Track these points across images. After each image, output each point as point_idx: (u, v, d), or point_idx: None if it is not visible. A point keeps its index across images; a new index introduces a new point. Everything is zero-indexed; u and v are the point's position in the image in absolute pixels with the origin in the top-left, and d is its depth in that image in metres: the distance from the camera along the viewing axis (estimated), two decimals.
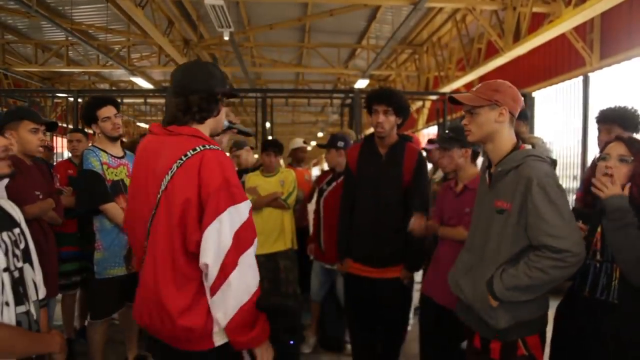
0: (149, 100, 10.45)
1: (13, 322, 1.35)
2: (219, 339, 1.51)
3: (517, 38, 6.21)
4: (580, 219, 1.87)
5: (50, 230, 2.75)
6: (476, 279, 1.78)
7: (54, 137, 7.28)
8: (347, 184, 2.91)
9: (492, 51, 7.32)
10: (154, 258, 1.50)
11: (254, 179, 3.73)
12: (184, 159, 1.45)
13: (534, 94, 6.84)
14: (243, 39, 9.42)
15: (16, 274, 1.40)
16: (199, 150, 1.47)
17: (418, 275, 3.53)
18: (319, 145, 3.72)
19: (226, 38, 6.53)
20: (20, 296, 1.40)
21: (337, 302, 3.65)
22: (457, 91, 8.43)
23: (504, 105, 1.74)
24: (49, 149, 4.63)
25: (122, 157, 2.99)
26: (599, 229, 1.80)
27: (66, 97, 7.11)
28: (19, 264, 1.43)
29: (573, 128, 6.34)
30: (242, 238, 1.45)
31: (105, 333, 2.97)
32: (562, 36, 5.87)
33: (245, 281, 1.46)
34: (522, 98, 1.81)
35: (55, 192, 2.86)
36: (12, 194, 2.30)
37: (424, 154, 3.49)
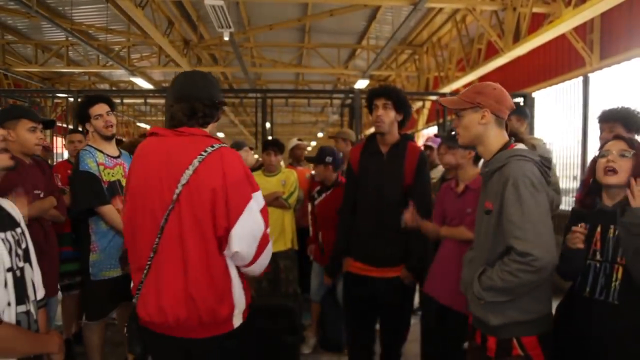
0: (149, 101, 10.45)
1: (13, 321, 1.36)
2: (237, 321, 1.68)
3: (517, 38, 6.21)
4: (580, 220, 1.86)
5: (52, 229, 2.74)
6: (469, 279, 1.82)
7: (54, 137, 7.29)
8: (348, 183, 2.90)
9: (492, 51, 7.32)
10: (182, 250, 1.58)
11: (255, 179, 3.74)
12: (204, 154, 1.59)
13: (533, 95, 6.83)
14: (243, 40, 9.42)
15: (18, 273, 1.41)
16: (216, 147, 1.62)
17: None
18: (306, 159, 3.71)
19: (226, 38, 6.53)
20: (21, 296, 1.40)
21: (338, 303, 3.66)
22: (456, 92, 8.43)
23: (486, 107, 1.77)
24: (47, 149, 4.63)
25: (118, 157, 2.95)
26: (598, 229, 1.80)
27: (66, 98, 7.11)
28: (21, 264, 1.44)
29: (573, 128, 6.34)
30: (265, 217, 1.68)
31: (102, 334, 2.95)
32: (562, 36, 5.87)
33: (270, 251, 1.75)
34: (509, 99, 1.82)
35: (58, 190, 2.84)
36: (7, 195, 2.30)
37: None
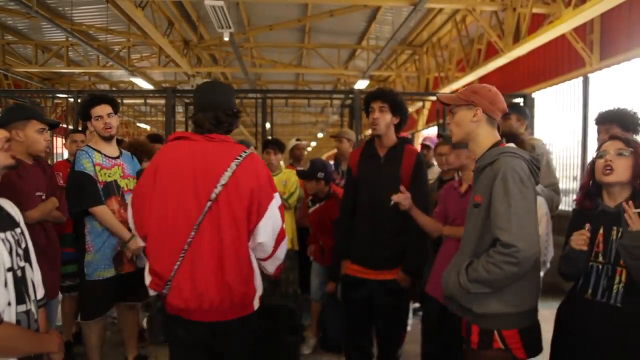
0: (148, 101, 10.46)
1: (13, 320, 1.36)
2: (256, 304, 1.95)
3: (517, 39, 6.21)
4: (582, 221, 1.86)
5: (53, 231, 2.74)
6: (452, 268, 1.87)
7: (54, 138, 7.29)
8: (347, 186, 2.91)
9: (492, 52, 7.32)
10: (219, 243, 1.79)
11: None
12: (239, 159, 1.83)
13: (533, 95, 6.84)
14: (243, 40, 9.42)
15: (19, 273, 1.41)
16: (248, 152, 1.88)
17: None
18: (299, 174, 3.70)
19: (226, 39, 6.53)
20: (21, 295, 1.40)
21: (338, 304, 3.66)
22: (456, 92, 8.45)
23: (479, 106, 1.85)
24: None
25: (117, 157, 2.95)
26: (600, 231, 1.80)
27: (66, 98, 7.12)
28: (21, 263, 1.44)
29: (573, 129, 6.34)
30: (282, 212, 1.95)
31: (101, 333, 2.96)
32: (562, 37, 5.87)
33: (285, 247, 2.01)
34: (503, 102, 1.89)
35: (59, 189, 2.84)
36: (12, 198, 2.30)
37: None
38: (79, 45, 8.99)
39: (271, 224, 1.88)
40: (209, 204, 1.79)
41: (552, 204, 2.95)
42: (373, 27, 8.86)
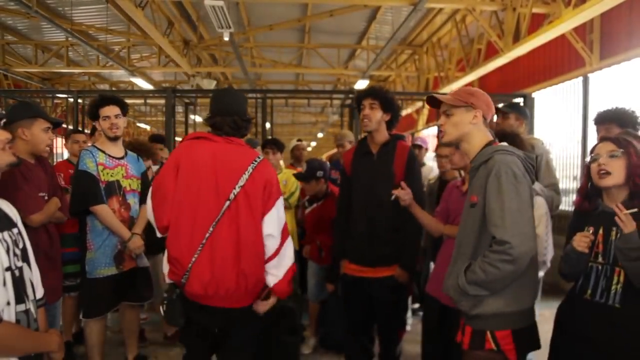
0: (148, 101, 10.47)
1: (13, 320, 1.36)
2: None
3: (516, 39, 6.21)
4: (583, 221, 1.87)
5: (55, 232, 2.74)
6: (452, 271, 1.84)
7: (54, 138, 7.29)
8: (342, 186, 2.93)
9: (492, 52, 7.32)
10: (236, 234, 1.97)
11: None
12: (254, 163, 2.02)
13: (533, 95, 6.84)
14: (243, 40, 9.42)
15: (17, 272, 1.41)
16: (261, 157, 2.08)
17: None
18: (297, 177, 3.68)
19: (226, 39, 6.54)
20: (20, 295, 1.40)
21: (339, 302, 3.66)
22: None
23: (479, 108, 1.85)
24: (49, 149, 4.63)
25: (122, 158, 2.98)
26: (600, 231, 1.80)
27: (66, 98, 7.13)
28: (19, 263, 1.44)
29: (573, 129, 6.34)
30: (284, 215, 2.13)
31: (102, 332, 2.97)
32: (562, 37, 5.87)
33: (292, 249, 2.14)
34: (494, 106, 1.93)
35: (60, 189, 2.85)
36: (16, 202, 2.29)
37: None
38: (79, 45, 8.99)
39: (277, 219, 2.05)
40: (227, 203, 1.97)
41: (552, 204, 2.95)
42: (373, 27, 8.86)
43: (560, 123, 6.65)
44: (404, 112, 12.36)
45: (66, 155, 3.83)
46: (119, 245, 2.91)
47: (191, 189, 1.99)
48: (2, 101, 6.48)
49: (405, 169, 2.68)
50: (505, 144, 1.87)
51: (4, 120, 2.40)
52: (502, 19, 6.64)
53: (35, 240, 2.39)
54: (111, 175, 2.89)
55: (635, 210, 1.69)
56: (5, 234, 1.40)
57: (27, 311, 1.42)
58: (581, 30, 5.96)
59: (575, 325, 1.83)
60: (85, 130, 3.89)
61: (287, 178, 3.78)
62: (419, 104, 10.58)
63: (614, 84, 5.73)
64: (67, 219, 2.91)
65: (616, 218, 1.69)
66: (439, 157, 3.43)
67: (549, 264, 2.70)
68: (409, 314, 4.23)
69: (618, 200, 1.78)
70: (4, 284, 1.33)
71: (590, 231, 1.80)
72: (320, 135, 22.42)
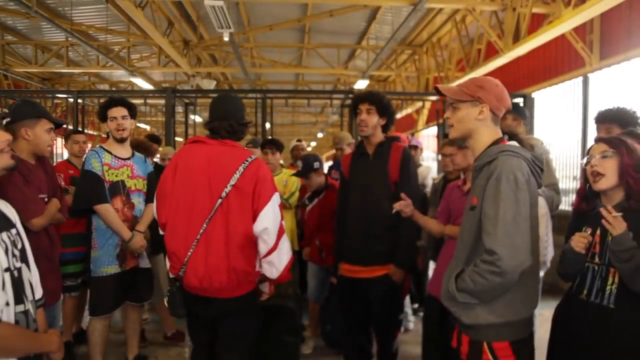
0: (148, 101, 10.46)
1: (12, 321, 1.35)
2: (255, 283, 2.23)
3: (516, 39, 6.21)
4: (582, 221, 1.87)
5: (55, 234, 2.75)
6: (448, 273, 1.77)
7: (56, 138, 7.28)
8: (341, 190, 2.97)
9: (492, 52, 7.32)
10: (226, 230, 2.08)
11: None
12: (246, 163, 2.11)
13: (533, 95, 6.84)
14: (243, 40, 9.42)
15: (15, 273, 1.41)
16: (254, 157, 2.16)
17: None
18: (296, 175, 3.67)
19: (226, 39, 6.54)
20: (19, 295, 1.40)
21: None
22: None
23: (486, 103, 1.70)
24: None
25: (128, 159, 3.04)
26: (598, 232, 1.79)
27: (66, 98, 7.13)
28: (18, 264, 1.44)
29: (573, 128, 6.34)
30: (281, 210, 2.19)
31: (105, 332, 3.00)
32: (562, 37, 5.87)
33: (288, 243, 2.22)
34: (508, 99, 1.76)
35: (60, 189, 2.85)
36: (18, 205, 2.27)
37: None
38: (79, 45, 8.99)
39: (273, 213, 2.11)
40: (220, 200, 2.09)
41: (552, 204, 2.95)
42: (373, 27, 8.86)
43: (560, 123, 6.65)
44: (404, 112, 12.38)
45: (66, 155, 3.82)
46: (120, 244, 2.96)
47: (187, 189, 2.14)
48: (2, 101, 6.48)
49: (400, 168, 2.74)
50: (514, 143, 1.73)
51: (8, 119, 2.41)
52: (502, 19, 6.64)
53: (36, 242, 2.38)
54: (116, 176, 2.95)
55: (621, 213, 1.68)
56: (4, 235, 1.40)
57: (26, 312, 1.42)
58: (581, 30, 5.96)
59: (571, 325, 1.82)
60: (86, 131, 3.88)
61: (287, 178, 3.78)
62: (419, 104, 10.58)
63: (614, 84, 5.73)
64: (66, 219, 2.91)
65: (603, 221, 1.69)
66: (443, 156, 3.43)
67: (549, 264, 2.70)
68: (410, 312, 4.24)
69: (615, 201, 1.77)
70: (3, 284, 1.33)
71: (589, 232, 1.79)
72: (320, 135, 22.43)
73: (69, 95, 6.62)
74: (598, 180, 1.78)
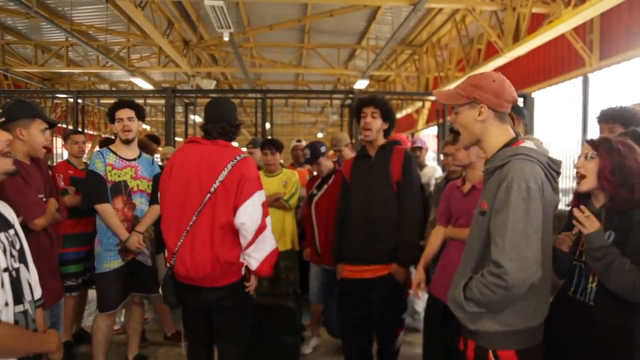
0: (148, 101, 10.45)
1: (11, 321, 1.35)
2: (242, 272, 2.36)
3: (516, 39, 6.21)
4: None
5: (54, 234, 2.75)
6: (456, 279, 1.72)
7: (54, 138, 7.28)
8: (342, 194, 2.98)
9: (492, 52, 7.32)
10: (212, 223, 2.23)
11: None
12: (234, 161, 2.27)
13: (533, 95, 6.84)
14: (243, 40, 9.43)
15: (14, 273, 1.40)
16: (243, 156, 2.31)
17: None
18: (306, 162, 3.67)
19: (226, 39, 6.54)
20: (18, 296, 1.40)
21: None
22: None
23: (483, 102, 1.60)
24: (49, 150, 4.63)
25: (133, 160, 3.08)
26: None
27: (66, 98, 7.12)
28: (16, 265, 1.43)
29: (572, 129, 6.34)
30: (265, 208, 2.31)
31: (109, 331, 3.04)
32: (562, 37, 5.87)
33: (271, 237, 2.35)
34: (511, 92, 1.64)
35: (57, 189, 2.86)
36: (20, 206, 2.26)
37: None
38: (79, 45, 9.00)
39: (252, 210, 2.25)
40: (208, 195, 2.24)
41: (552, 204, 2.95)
42: (373, 27, 8.86)
43: (560, 123, 6.65)
44: (404, 112, 12.39)
45: (66, 155, 3.82)
46: (119, 243, 3.00)
47: (181, 184, 2.31)
48: (2, 101, 6.48)
49: (402, 168, 2.77)
50: (529, 144, 1.62)
51: (2, 119, 2.36)
52: (502, 19, 6.64)
53: (36, 242, 2.41)
54: (118, 176, 3.00)
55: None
56: (2, 236, 1.40)
57: (25, 312, 1.42)
58: (581, 30, 5.96)
59: (560, 321, 1.84)
60: (86, 131, 3.87)
61: (287, 179, 3.77)
62: (419, 104, 10.58)
63: (614, 84, 5.74)
64: (66, 219, 2.93)
65: (574, 220, 1.72)
66: (445, 155, 3.41)
67: None
68: (422, 313, 4.21)
69: (601, 201, 1.80)
70: (2, 284, 1.33)
71: (574, 231, 1.83)
72: (320, 135, 22.43)
73: (69, 95, 6.62)
74: (580, 181, 1.81)
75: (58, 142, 7.63)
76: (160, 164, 3.68)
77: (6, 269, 1.36)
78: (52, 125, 2.66)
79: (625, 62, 5.50)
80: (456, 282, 1.70)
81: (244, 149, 4.53)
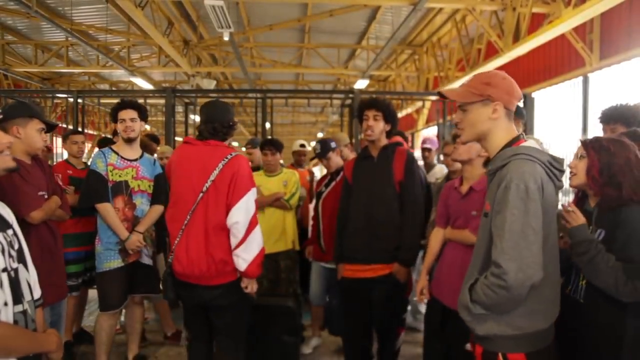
0: (148, 101, 10.44)
1: (11, 321, 1.35)
2: (237, 274, 2.40)
3: (516, 38, 6.21)
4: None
5: (57, 230, 2.77)
6: (465, 281, 1.70)
7: (53, 138, 7.29)
8: (344, 193, 2.98)
9: (492, 52, 7.32)
10: (205, 222, 2.31)
11: (256, 179, 3.69)
12: (226, 160, 2.34)
13: (533, 95, 6.84)
14: (243, 40, 9.42)
15: (12, 274, 1.40)
16: (234, 154, 2.37)
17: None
18: (316, 157, 3.68)
19: (226, 38, 6.53)
20: (17, 296, 1.40)
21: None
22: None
23: (498, 100, 1.58)
24: (49, 149, 4.63)
25: (135, 160, 3.08)
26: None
27: (66, 98, 7.12)
28: (14, 265, 1.43)
29: (573, 129, 6.34)
30: (257, 206, 2.37)
31: (111, 331, 3.05)
32: (562, 37, 5.87)
33: (260, 235, 2.38)
34: (518, 89, 1.64)
35: (60, 188, 2.88)
36: (16, 200, 2.32)
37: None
38: (79, 45, 8.99)
39: (245, 208, 2.30)
40: (201, 195, 2.32)
41: None
42: (373, 26, 8.86)
43: (560, 123, 6.65)
44: (404, 112, 12.38)
45: (66, 155, 3.82)
46: (119, 242, 3.00)
47: (179, 184, 2.41)
48: (2, 101, 6.48)
49: (405, 168, 2.78)
50: (531, 143, 1.60)
51: (0, 118, 2.42)
52: (502, 18, 6.64)
53: (37, 237, 2.48)
54: (119, 176, 3.00)
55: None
56: (0, 236, 1.40)
57: (24, 312, 1.42)
58: (581, 30, 5.96)
59: (559, 318, 1.86)
60: (86, 130, 3.87)
61: (287, 178, 3.77)
62: (419, 103, 10.58)
63: (614, 83, 5.73)
64: (68, 218, 2.94)
65: (561, 217, 1.76)
66: (445, 155, 3.40)
67: None
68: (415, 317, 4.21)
69: (596, 200, 1.86)
70: (1, 285, 1.33)
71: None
72: (320, 135, 22.43)
73: (69, 95, 6.61)
74: (571, 178, 1.88)
75: (58, 142, 7.63)
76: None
77: (5, 269, 1.36)
78: (50, 128, 2.68)
79: (626, 62, 5.49)
80: (464, 286, 1.68)
81: (243, 149, 4.54)
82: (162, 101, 8.94)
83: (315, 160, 4.18)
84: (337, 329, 3.71)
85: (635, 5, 5.22)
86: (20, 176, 2.44)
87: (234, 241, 2.32)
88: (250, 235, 2.31)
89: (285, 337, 3.14)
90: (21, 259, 1.49)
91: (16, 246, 1.48)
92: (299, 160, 4.75)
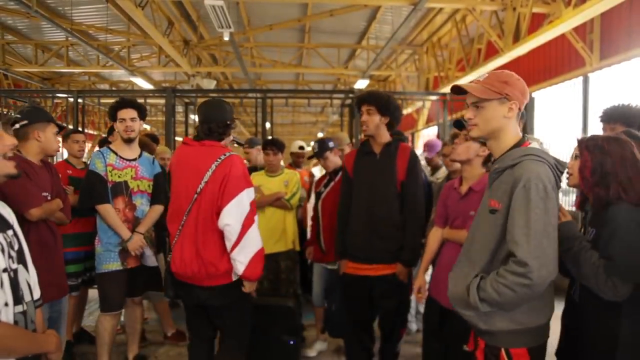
0: (148, 101, 10.45)
1: (11, 321, 1.35)
2: (234, 277, 2.36)
3: (517, 38, 6.21)
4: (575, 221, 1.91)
5: (58, 230, 2.77)
6: (458, 277, 1.70)
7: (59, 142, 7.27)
8: (344, 187, 2.95)
9: (492, 51, 7.32)
10: (197, 224, 2.30)
11: (258, 179, 3.72)
12: (219, 160, 2.30)
13: (533, 95, 6.83)
14: (243, 40, 9.42)
15: (12, 274, 1.40)
16: (228, 155, 2.34)
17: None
18: (314, 156, 3.67)
19: (226, 38, 6.54)
20: (17, 296, 1.40)
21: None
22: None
23: (514, 99, 1.62)
24: None
25: (134, 160, 3.07)
26: (582, 230, 1.88)
27: (66, 98, 7.11)
28: (14, 265, 1.43)
29: (573, 128, 6.34)
30: (253, 207, 2.32)
31: (113, 331, 3.05)
32: (562, 36, 5.87)
33: (257, 235, 2.33)
34: (529, 93, 1.70)
35: (64, 192, 2.89)
36: (18, 196, 2.33)
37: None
38: (79, 45, 8.99)
39: (237, 210, 2.25)
40: (195, 196, 2.31)
41: None
42: (373, 26, 8.86)
43: (561, 123, 6.65)
44: (404, 112, 12.38)
45: (66, 155, 3.82)
46: (121, 243, 2.99)
47: (177, 186, 2.42)
48: (2, 101, 6.47)
49: (407, 168, 2.74)
50: (536, 145, 1.66)
51: (24, 122, 2.55)
52: (502, 18, 6.64)
53: (37, 236, 2.51)
54: (119, 176, 2.99)
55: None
56: (0, 236, 1.40)
57: (24, 312, 1.42)
58: (581, 30, 5.96)
59: (564, 317, 1.94)
60: (86, 130, 3.87)
61: (288, 179, 3.76)
62: (419, 103, 10.58)
63: (614, 83, 5.73)
64: (68, 223, 2.93)
65: None
66: (444, 156, 3.40)
67: None
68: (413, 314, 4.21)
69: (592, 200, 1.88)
70: (1, 285, 1.33)
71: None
72: (320, 135, 22.44)
73: (69, 95, 6.60)
74: (567, 178, 1.89)
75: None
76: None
77: (5, 270, 1.36)
78: (61, 129, 2.79)
79: (626, 62, 5.50)
80: (456, 281, 1.70)
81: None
82: (162, 101, 8.94)
83: (315, 161, 4.18)
84: (337, 332, 3.71)
85: (635, 5, 5.22)
86: (26, 174, 2.47)
87: (228, 244, 2.27)
88: (245, 237, 2.26)
89: (285, 337, 3.14)
90: (21, 260, 1.49)
91: (16, 247, 1.48)
92: (297, 161, 4.75)
